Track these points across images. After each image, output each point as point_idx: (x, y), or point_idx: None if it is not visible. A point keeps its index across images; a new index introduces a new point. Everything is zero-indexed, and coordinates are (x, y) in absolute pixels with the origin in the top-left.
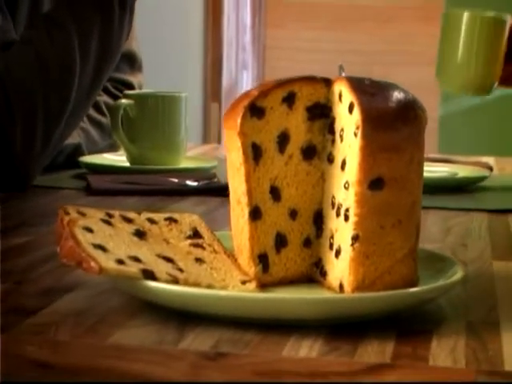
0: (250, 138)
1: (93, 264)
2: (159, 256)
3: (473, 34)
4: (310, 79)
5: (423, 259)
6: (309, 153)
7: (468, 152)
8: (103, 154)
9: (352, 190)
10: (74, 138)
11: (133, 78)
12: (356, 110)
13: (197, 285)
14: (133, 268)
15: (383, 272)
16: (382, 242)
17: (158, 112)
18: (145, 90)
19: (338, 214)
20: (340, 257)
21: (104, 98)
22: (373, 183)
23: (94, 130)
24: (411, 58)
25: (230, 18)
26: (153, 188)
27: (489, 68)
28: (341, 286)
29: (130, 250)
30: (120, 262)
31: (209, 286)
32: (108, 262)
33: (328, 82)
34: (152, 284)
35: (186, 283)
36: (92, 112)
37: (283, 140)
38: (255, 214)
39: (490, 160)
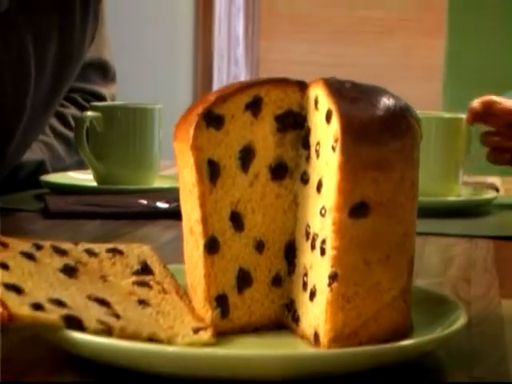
0: (205, 153)
1: (1, 310)
2: (91, 298)
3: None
4: (280, 81)
5: (418, 301)
6: (278, 171)
7: (471, 171)
8: (68, 173)
9: (330, 217)
10: (37, 153)
11: (105, 90)
12: (334, 119)
13: (136, 335)
14: (53, 314)
15: (368, 319)
16: (367, 282)
17: (128, 126)
18: (114, 102)
19: (313, 247)
20: (315, 299)
21: (72, 111)
22: (355, 209)
23: (60, 146)
24: (411, 72)
25: (221, 29)
26: (118, 211)
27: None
28: (316, 336)
29: (53, 292)
30: (37, 306)
31: (152, 336)
32: (21, 307)
33: (302, 86)
34: (77, 335)
35: (122, 333)
36: (58, 125)
37: (247, 156)
38: (212, 246)
39: (495, 180)
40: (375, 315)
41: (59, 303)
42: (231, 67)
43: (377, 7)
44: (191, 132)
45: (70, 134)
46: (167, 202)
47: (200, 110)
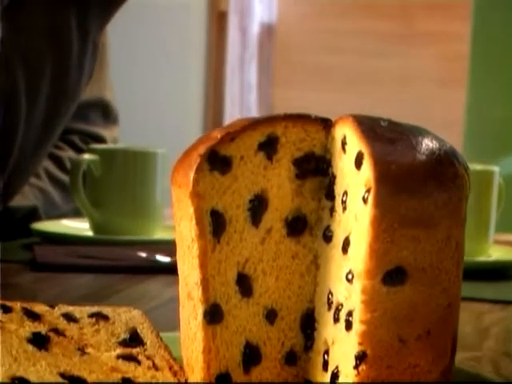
0: (208, 202)
1: None
2: (65, 376)
3: None
4: (300, 118)
5: None
6: (296, 226)
7: (500, 229)
8: (62, 221)
9: (358, 284)
10: (29, 199)
11: (106, 132)
12: (366, 164)
13: None
14: None
15: None
16: (402, 364)
17: (128, 171)
18: (114, 145)
19: (336, 319)
20: (338, 383)
21: (69, 154)
22: (390, 275)
23: (55, 191)
24: (428, 123)
25: (233, 76)
26: (113, 264)
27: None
28: None
29: (16, 368)
30: None
31: None
32: None
33: (327, 124)
34: None
35: None
36: (53, 169)
37: (258, 206)
38: (214, 314)
39: None
40: None
41: (23, 383)
42: (243, 115)
43: (394, 56)
44: (191, 176)
45: (67, 179)
46: (169, 256)
47: (202, 149)
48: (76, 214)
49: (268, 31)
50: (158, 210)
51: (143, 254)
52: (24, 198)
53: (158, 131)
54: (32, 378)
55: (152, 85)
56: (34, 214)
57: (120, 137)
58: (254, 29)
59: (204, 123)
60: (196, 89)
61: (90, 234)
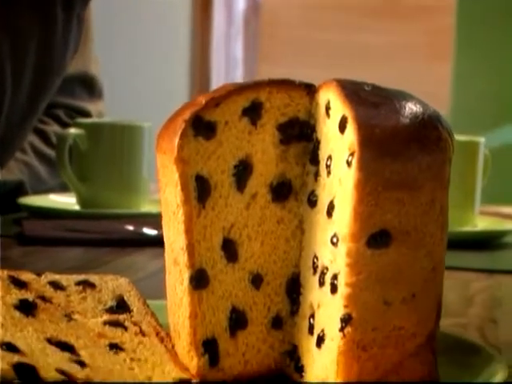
0: (192, 168)
1: None
2: (51, 341)
3: None
4: (284, 83)
5: (444, 349)
6: (281, 191)
7: (486, 200)
8: (49, 195)
9: (343, 248)
10: (15, 173)
11: (91, 106)
12: (350, 128)
13: None
14: (2, 362)
15: (387, 371)
16: (387, 327)
17: (114, 145)
18: (100, 119)
19: (321, 283)
20: (324, 346)
21: (54, 128)
22: (374, 238)
23: (41, 166)
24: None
25: (219, 52)
26: (101, 237)
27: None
28: None
29: (4, 333)
30: None
31: None
32: None
33: (311, 89)
34: None
35: None
36: (39, 144)
37: (243, 172)
38: (199, 279)
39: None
40: (396, 367)
41: (11, 348)
42: None
43: (379, 31)
44: (176, 141)
45: (53, 154)
46: (156, 229)
47: (187, 115)
48: (63, 188)
49: (254, 7)
50: (145, 183)
51: (130, 227)
52: (10, 173)
53: (144, 106)
54: (19, 343)
55: (138, 60)
56: (20, 189)
57: (106, 111)
58: (240, 5)
59: (190, 99)
60: (182, 64)
61: (77, 208)
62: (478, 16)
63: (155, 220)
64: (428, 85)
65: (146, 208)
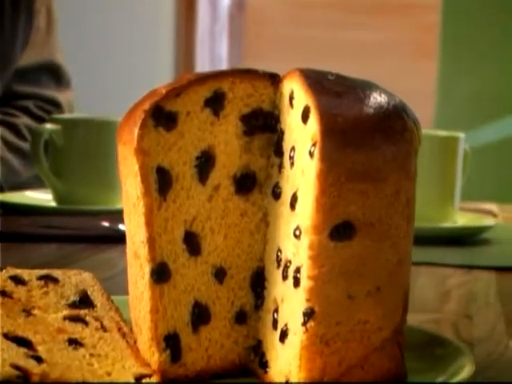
0: (153, 159)
1: None
2: (8, 337)
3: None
4: (248, 73)
5: (412, 344)
6: (244, 183)
7: (466, 197)
8: (25, 192)
9: (306, 240)
10: None
11: (60, 96)
12: (313, 118)
13: (62, 383)
14: None
15: (352, 366)
16: (351, 321)
17: (90, 140)
18: (76, 114)
19: (285, 276)
20: (287, 341)
21: (24, 120)
22: (337, 230)
23: (15, 158)
24: (401, 95)
25: (203, 49)
26: (75, 233)
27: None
28: None
29: None
30: None
31: None
32: None
33: (275, 79)
34: None
35: (44, 380)
36: (10, 137)
37: (205, 163)
38: (161, 273)
39: (492, 207)
40: (361, 362)
41: None
42: None
43: (365, 28)
44: (136, 132)
45: (25, 146)
46: None
47: (147, 105)
48: (38, 180)
49: (238, 3)
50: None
51: (106, 224)
52: None
53: (128, 103)
54: None
55: (121, 58)
56: None
57: (89, 107)
58: (225, 1)
59: None
60: (166, 62)
61: (53, 204)
62: (464, 13)
63: None
64: (414, 82)
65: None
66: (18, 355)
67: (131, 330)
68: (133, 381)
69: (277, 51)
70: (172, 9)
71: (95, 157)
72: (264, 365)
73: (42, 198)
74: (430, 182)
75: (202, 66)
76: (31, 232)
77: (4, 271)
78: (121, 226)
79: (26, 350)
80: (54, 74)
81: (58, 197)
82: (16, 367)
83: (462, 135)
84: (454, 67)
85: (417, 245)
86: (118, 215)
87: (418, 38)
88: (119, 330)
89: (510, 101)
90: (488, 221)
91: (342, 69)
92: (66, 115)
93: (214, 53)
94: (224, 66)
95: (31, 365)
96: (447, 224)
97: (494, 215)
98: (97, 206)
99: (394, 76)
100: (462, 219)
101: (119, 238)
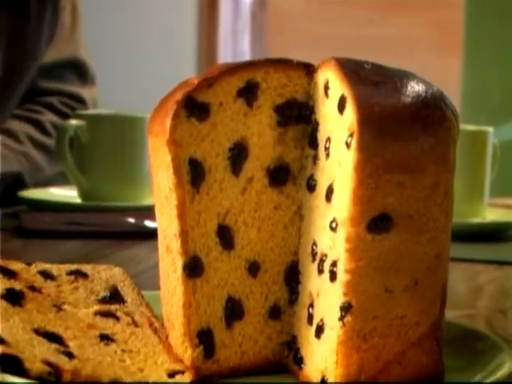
0: (185, 150)
1: None
2: (39, 332)
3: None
4: (282, 63)
5: (450, 339)
6: (278, 175)
7: (495, 193)
8: (50, 188)
9: (342, 233)
10: (13, 165)
11: (84, 92)
12: (349, 108)
13: (93, 380)
14: None
15: (389, 362)
16: (389, 315)
17: (115, 136)
18: (101, 110)
19: (320, 270)
20: (323, 336)
21: (49, 117)
22: (375, 222)
23: (40, 155)
24: None
25: (226, 47)
26: (101, 230)
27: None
28: (323, 382)
29: None
30: None
31: (114, 381)
32: None
33: (309, 69)
34: (14, 380)
35: (76, 377)
36: (35, 133)
37: (238, 155)
38: (194, 267)
39: None
40: (399, 357)
41: None
42: None
43: (386, 24)
44: (168, 123)
45: (50, 142)
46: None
47: (179, 96)
48: (63, 176)
49: (260, 1)
50: (147, 175)
51: (132, 220)
52: (8, 165)
53: (150, 99)
54: (4, 333)
55: (144, 55)
56: (19, 181)
57: (114, 103)
58: None
59: None
60: (189, 59)
61: (78, 201)
62: (487, 9)
63: None
64: (436, 78)
65: (148, 200)
66: (49, 351)
67: (162, 325)
68: (166, 377)
69: (298, 47)
70: (195, 6)
71: (120, 153)
72: (299, 361)
73: (67, 194)
74: (459, 177)
75: (225, 62)
76: (55, 228)
77: (33, 266)
78: (147, 223)
79: (57, 346)
80: (79, 70)
81: (82, 193)
82: (47, 363)
83: (490, 129)
84: (479, 63)
85: None
86: (143, 211)
87: (441, 34)
88: (150, 325)
89: None
90: None
91: None
92: (91, 111)
93: (236, 49)
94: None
95: (62, 361)
96: (476, 219)
97: None
98: (122, 203)
99: (417, 73)
100: (491, 215)
101: (145, 235)
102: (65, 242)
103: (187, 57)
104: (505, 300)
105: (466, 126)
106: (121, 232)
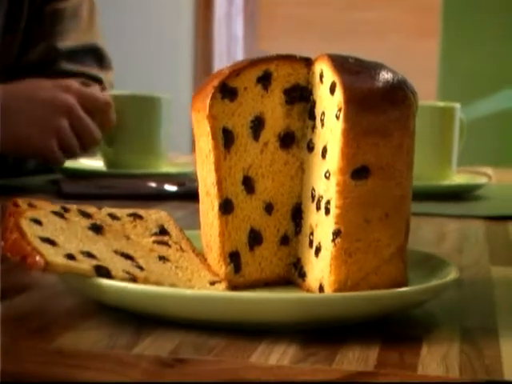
0: (220, 122)
1: (38, 258)
2: (117, 252)
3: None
4: (288, 58)
5: (413, 262)
6: (286, 140)
7: (466, 163)
8: (80, 160)
9: (333, 180)
10: None
11: (102, 75)
12: (338, 90)
13: (158, 284)
14: (84, 264)
15: (368, 272)
16: (368, 238)
17: (136, 113)
18: (125, 91)
19: (318, 208)
20: (320, 255)
21: None
22: (356, 172)
23: None
24: (408, 71)
25: (221, 30)
26: (128, 192)
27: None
28: (321, 288)
29: (82, 245)
30: (70, 257)
31: (172, 286)
32: (56, 257)
33: (308, 62)
34: (106, 282)
35: (146, 282)
36: None
37: (258, 125)
38: (226, 206)
39: (488, 170)
40: (375, 270)
41: (89, 255)
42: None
43: (372, 9)
44: (208, 102)
45: None
46: (175, 185)
47: (216, 82)
48: None
49: None
50: (164, 146)
51: (153, 184)
52: None
53: (151, 82)
54: (95, 252)
55: (143, 39)
56: None
57: (115, 83)
58: None
59: (194, 72)
60: (186, 42)
61: (103, 169)
62: None
63: (174, 178)
64: (416, 59)
65: (166, 169)
66: (126, 265)
67: (201, 252)
68: (208, 285)
69: (289, 31)
70: None
71: (140, 128)
72: (302, 275)
73: (94, 164)
74: (431, 146)
75: (220, 46)
76: (89, 192)
77: (102, 209)
78: (166, 186)
79: (131, 262)
80: (97, 55)
81: (108, 163)
82: (127, 272)
83: (457, 105)
84: (455, 45)
85: (419, 200)
86: (162, 177)
87: (421, 18)
88: (193, 251)
89: (507, 76)
90: (481, 180)
91: (350, 47)
92: (114, 92)
93: (230, 33)
94: (240, 45)
95: (137, 272)
96: (446, 182)
97: (488, 177)
98: (143, 170)
99: (399, 54)
100: (458, 179)
101: (164, 196)
102: (99, 203)
103: (184, 40)
104: (463, 243)
105: (436, 103)
106: (145, 194)
